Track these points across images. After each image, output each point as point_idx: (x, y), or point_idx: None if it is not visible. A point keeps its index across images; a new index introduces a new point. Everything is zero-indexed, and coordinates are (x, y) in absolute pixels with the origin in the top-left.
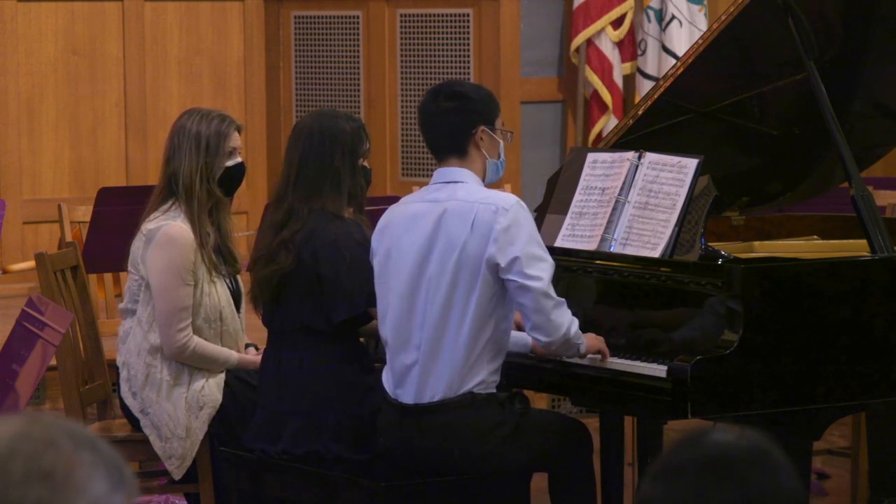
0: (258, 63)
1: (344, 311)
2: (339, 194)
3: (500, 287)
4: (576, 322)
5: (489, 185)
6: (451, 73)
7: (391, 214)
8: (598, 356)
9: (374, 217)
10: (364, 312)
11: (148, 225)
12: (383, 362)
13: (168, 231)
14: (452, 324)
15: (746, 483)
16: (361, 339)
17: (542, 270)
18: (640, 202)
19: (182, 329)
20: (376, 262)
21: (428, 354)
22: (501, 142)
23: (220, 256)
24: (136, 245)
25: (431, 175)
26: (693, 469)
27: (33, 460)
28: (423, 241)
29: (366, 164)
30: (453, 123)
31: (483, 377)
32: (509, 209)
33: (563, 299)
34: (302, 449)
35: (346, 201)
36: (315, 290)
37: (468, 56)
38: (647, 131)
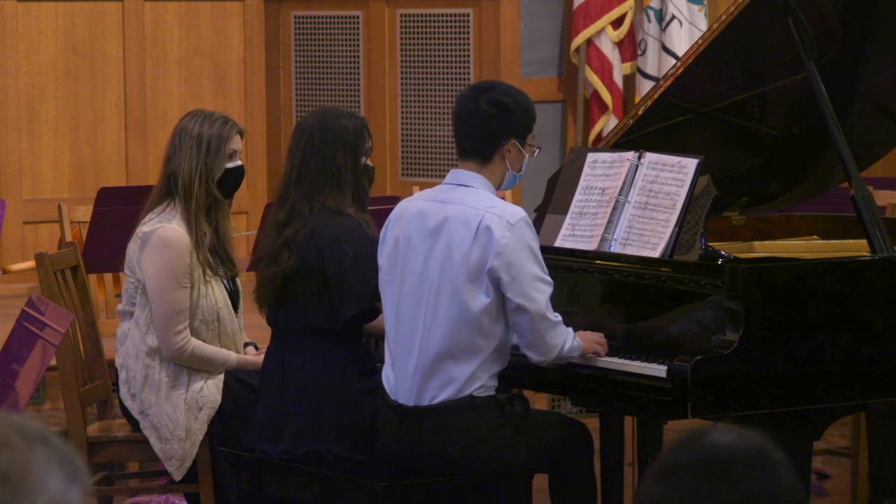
0: (258, 63)
1: (353, 307)
2: (342, 193)
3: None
4: (570, 338)
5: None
6: (451, 73)
7: (402, 208)
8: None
9: (377, 216)
10: (371, 308)
11: (143, 228)
12: (383, 363)
13: (163, 234)
14: (453, 328)
15: (745, 484)
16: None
17: (541, 291)
18: (641, 202)
19: (180, 332)
20: (384, 254)
21: (427, 357)
22: (528, 156)
23: (217, 257)
24: (132, 248)
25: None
26: (692, 470)
27: None
28: (427, 242)
29: (368, 162)
30: (487, 130)
31: (484, 381)
32: (515, 224)
33: (560, 317)
34: (302, 449)
35: (349, 199)
36: (320, 290)
37: (468, 56)
38: (647, 131)
